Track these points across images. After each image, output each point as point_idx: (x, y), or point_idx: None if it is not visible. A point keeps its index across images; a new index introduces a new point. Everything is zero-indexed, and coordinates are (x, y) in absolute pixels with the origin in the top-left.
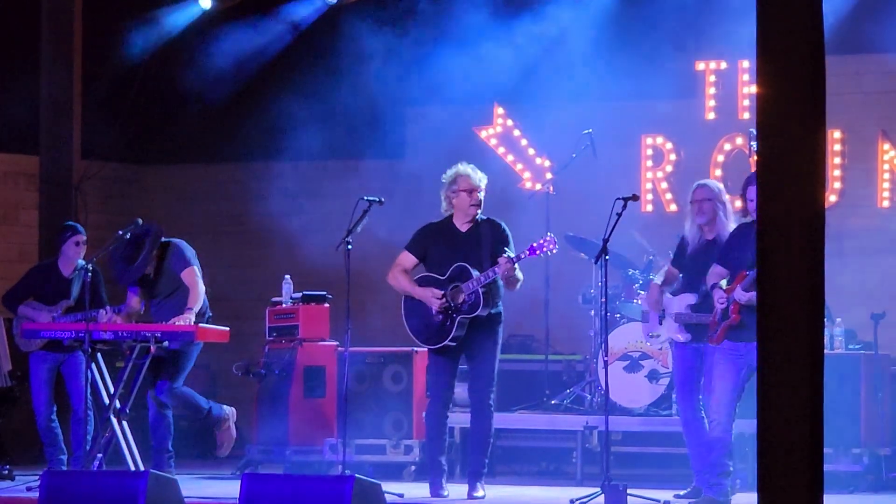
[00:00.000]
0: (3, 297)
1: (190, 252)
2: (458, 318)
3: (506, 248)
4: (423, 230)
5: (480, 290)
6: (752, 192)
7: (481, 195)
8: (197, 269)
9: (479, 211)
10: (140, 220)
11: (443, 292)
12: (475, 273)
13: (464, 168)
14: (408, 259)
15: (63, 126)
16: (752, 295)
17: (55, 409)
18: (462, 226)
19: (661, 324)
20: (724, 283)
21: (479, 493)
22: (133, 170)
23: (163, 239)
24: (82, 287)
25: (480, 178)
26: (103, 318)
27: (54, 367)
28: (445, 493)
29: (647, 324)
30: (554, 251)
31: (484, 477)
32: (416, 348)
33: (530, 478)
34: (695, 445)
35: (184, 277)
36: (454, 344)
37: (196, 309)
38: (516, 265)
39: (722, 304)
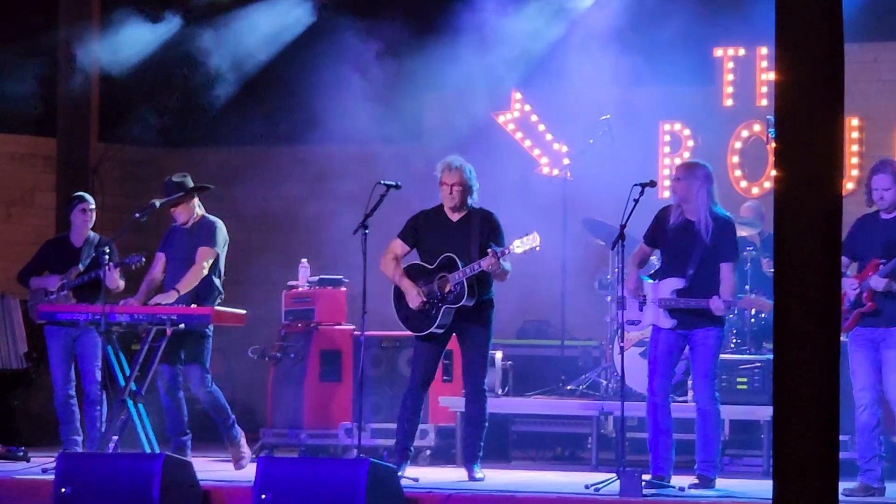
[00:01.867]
0: (18, 274)
1: (220, 236)
2: (444, 307)
3: (493, 242)
4: (415, 218)
5: (466, 282)
6: (876, 181)
7: (460, 190)
8: (213, 253)
9: (458, 203)
10: (156, 203)
11: (426, 294)
12: (462, 265)
13: (444, 162)
14: (399, 246)
15: (80, 108)
16: (888, 282)
17: (72, 385)
18: (454, 215)
19: (641, 310)
20: (850, 270)
21: (479, 474)
22: (150, 152)
23: (206, 215)
24: (93, 255)
25: (460, 173)
26: (112, 284)
27: (69, 343)
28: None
29: (623, 311)
30: (537, 248)
31: (480, 460)
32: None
33: (545, 463)
34: (660, 430)
35: (198, 253)
36: (440, 331)
37: (183, 292)
38: (502, 259)
39: (855, 290)
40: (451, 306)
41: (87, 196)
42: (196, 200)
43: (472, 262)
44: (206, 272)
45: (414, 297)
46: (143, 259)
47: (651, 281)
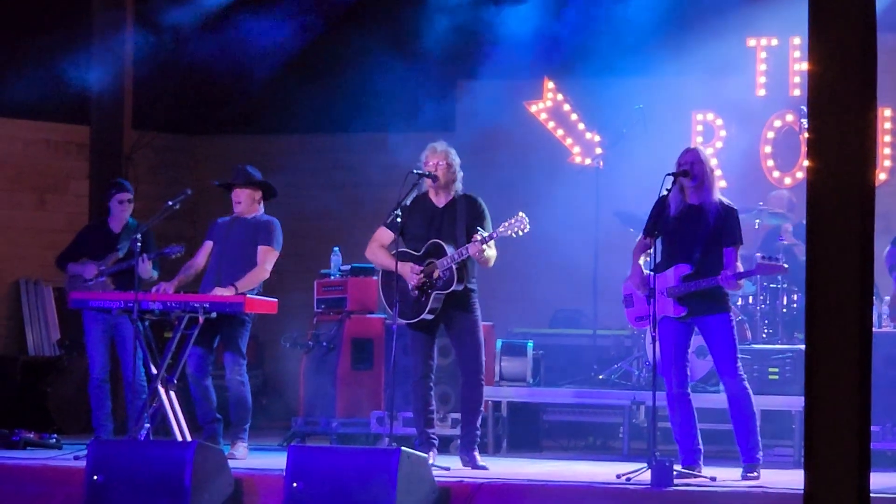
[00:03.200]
0: (56, 259)
1: (280, 236)
2: (434, 293)
3: (479, 226)
4: (400, 205)
5: (454, 267)
6: None
7: (444, 167)
8: (276, 255)
9: (443, 181)
10: (189, 191)
11: (420, 267)
12: (450, 250)
13: (430, 146)
14: (385, 234)
15: (114, 96)
16: None
17: (108, 371)
18: (439, 200)
19: (649, 304)
20: None
21: (482, 461)
22: (184, 140)
23: (266, 216)
24: (132, 243)
25: (446, 154)
26: (145, 274)
27: (107, 329)
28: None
29: (632, 308)
30: (526, 230)
31: (478, 446)
32: None
33: (577, 452)
34: (684, 422)
35: (260, 251)
36: (431, 317)
37: (241, 290)
38: (486, 244)
39: None
40: (441, 292)
41: (126, 183)
42: (259, 195)
43: (458, 247)
44: (268, 274)
45: (412, 276)
46: (183, 250)
47: (651, 273)
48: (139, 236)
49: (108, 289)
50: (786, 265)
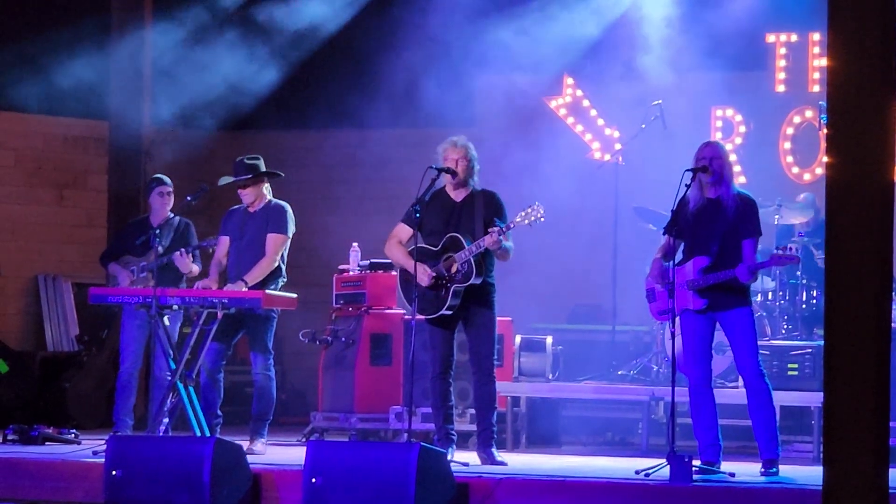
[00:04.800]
0: (100, 256)
1: (291, 221)
2: (453, 287)
3: (496, 219)
4: (418, 200)
5: (473, 260)
6: None
7: (465, 164)
8: (285, 240)
9: (463, 176)
10: (207, 187)
11: (434, 269)
12: (467, 243)
13: (449, 140)
14: (403, 230)
15: (133, 91)
16: None
17: (138, 367)
18: (457, 195)
19: (670, 297)
20: None
21: (500, 457)
22: (202, 136)
23: (274, 199)
24: (172, 237)
25: (465, 149)
26: (181, 263)
27: (144, 325)
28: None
29: (654, 303)
30: (542, 219)
31: (495, 442)
32: None
33: (596, 448)
34: (705, 417)
35: (268, 240)
36: (450, 313)
37: (252, 283)
38: (502, 237)
39: None
40: (460, 285)
41: (166, 178)
42: (266, 185)
43: (476, 240)
44: (277, 262)
45: (423, 277)
46: (217, 241)
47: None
48: (157, 231)
49: (149, 284)
50: (798, 256)
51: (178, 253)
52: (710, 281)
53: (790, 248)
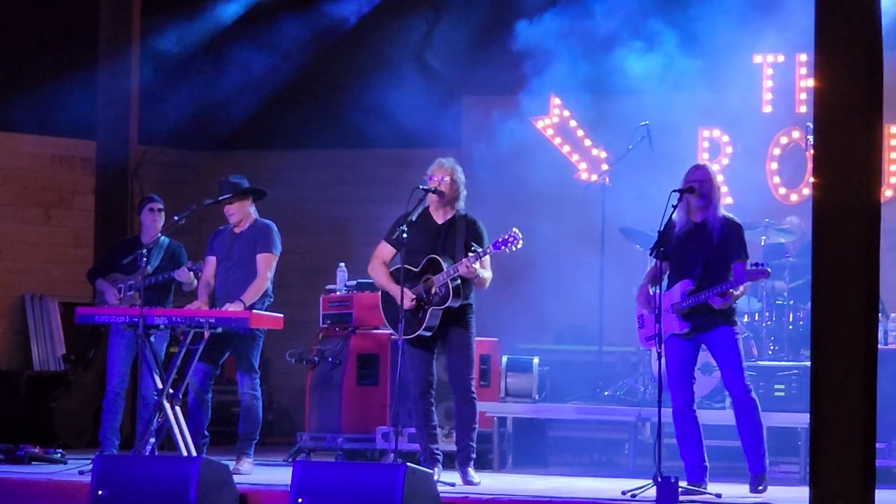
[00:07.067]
0: (87, 273)
1: (278, 240)
2: (430, 309)
3: (474, 244)
4: (400, 220)
5: (450, 283)
6: None
7: (448, 182)
8: (274, 258)
9: (448, 196)
10: (195, 206)
11: (414, 290)
12: (446, 266)
13: (437, 161)
14: (386, 250)
15: (120, 110)
16: None
17: (125, 386)
18: (439, 217)
19: (657, 322)
20: None
21: (476, 479)
22: (189, 155)
23: (260, 218)
24: (162, 257)
25: (452, 171)
26: (184, 277)
27: (131, 345)
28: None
29: (643, 328)
30: (518, 246)
31: (473, 462)
32: None
33: (582, 468)
34: (690, 439)
35: (259, 260)
36: (429, 334)
37: (248, 303)
38: (478, 264)
39: None
40: (438, 308)
41: (156, 197)
42: (252, 205)
43: (455, 263)
44: (269, 281)
45: (406, 299)
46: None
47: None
48: (144, 251)
49: (135, 303)
50: (769, 269)
51: (183, 268)
52: (692, 303)
53: (761, 264)
